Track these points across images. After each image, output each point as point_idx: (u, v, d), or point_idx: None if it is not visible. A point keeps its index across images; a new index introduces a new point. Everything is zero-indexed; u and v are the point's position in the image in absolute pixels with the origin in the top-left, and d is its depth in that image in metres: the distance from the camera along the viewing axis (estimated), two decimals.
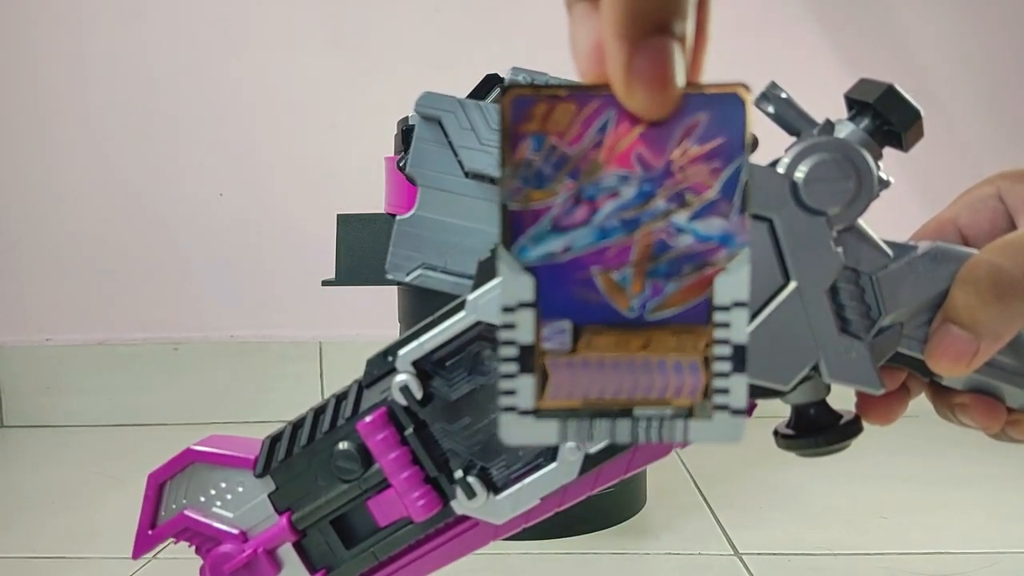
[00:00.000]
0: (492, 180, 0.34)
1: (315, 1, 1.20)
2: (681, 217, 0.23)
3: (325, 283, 0.87)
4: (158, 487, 0.38)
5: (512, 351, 0.23)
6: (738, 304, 0.22)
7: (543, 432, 0.23)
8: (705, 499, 0.87)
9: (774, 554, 0.74)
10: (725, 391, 0.23)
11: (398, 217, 0.36)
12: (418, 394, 0.33)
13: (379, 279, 0.81)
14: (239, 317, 1.22)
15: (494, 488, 0.34)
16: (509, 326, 0.23)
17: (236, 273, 1.23)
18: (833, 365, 0.31)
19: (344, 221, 0.85)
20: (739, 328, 0.23)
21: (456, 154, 0.34)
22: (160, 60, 1.22)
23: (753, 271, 0.30)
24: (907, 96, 0.31)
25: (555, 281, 0.23)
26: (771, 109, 0.32)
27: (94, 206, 1.23)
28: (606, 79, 0.21)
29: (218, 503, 0.37)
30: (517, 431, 0.23)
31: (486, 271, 0.32)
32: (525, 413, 0.23)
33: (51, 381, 1.22)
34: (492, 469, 0.34)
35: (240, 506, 0.37)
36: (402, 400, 0.33)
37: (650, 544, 0.76)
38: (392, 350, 0.34)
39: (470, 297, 0.32)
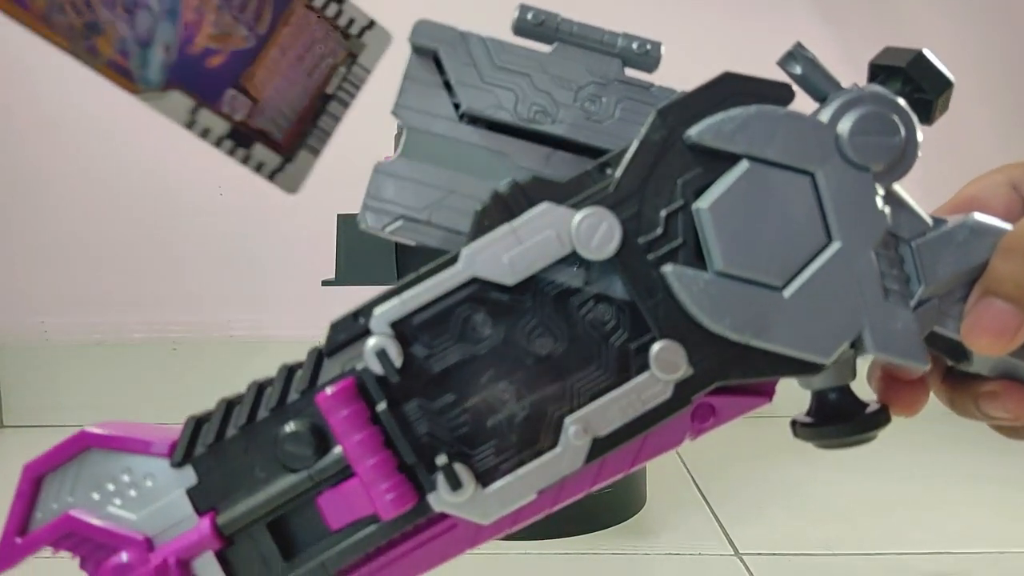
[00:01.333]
0: (491, 125, 0.31)
1: None
2: None
3: (325, 283, 0.86)
4: (34, 482, 0.30)
5: (240, 151, 0.28)
6: None
7: (303, 165, 0.28)
8: (705, 498, 0.87)
9: (774, 553, 0.74)
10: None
11: (377, 162, 0.31)
12: (397, 361, 0.28)
13: (379, 279, 0.81)
14: (238, 316, 1.22)
15: (481, 479, 0.28)
16: (204, 132, 0.27)
17: (236, 272, 1.23)
18: (878, 335, 0.28)
19: (344, 221, 0.85)
20: None
21: (453, 92, 0.31)
22: None
23: (794, 229, 0.29)
24: (938, 63, 0.30)
25: (189, 76, 0.26)
26: (798, 70, 0.30)
27: (92, 204, 1.23)
28: None
29: (116, 501, 0.29)
30: (296, 178, 0.28)
31: (486, 220, 0.29)
32: (285, 164, 0.27)
33: (50, 381, 1.22)
34: (478, 458, 0.29)
35: (147, 505, 0.29)
36: (377, 367, 0.28)
37: (650, 544, 0.76)
38: (365, 310, 0.29)
39: (466, 250, 0.28)
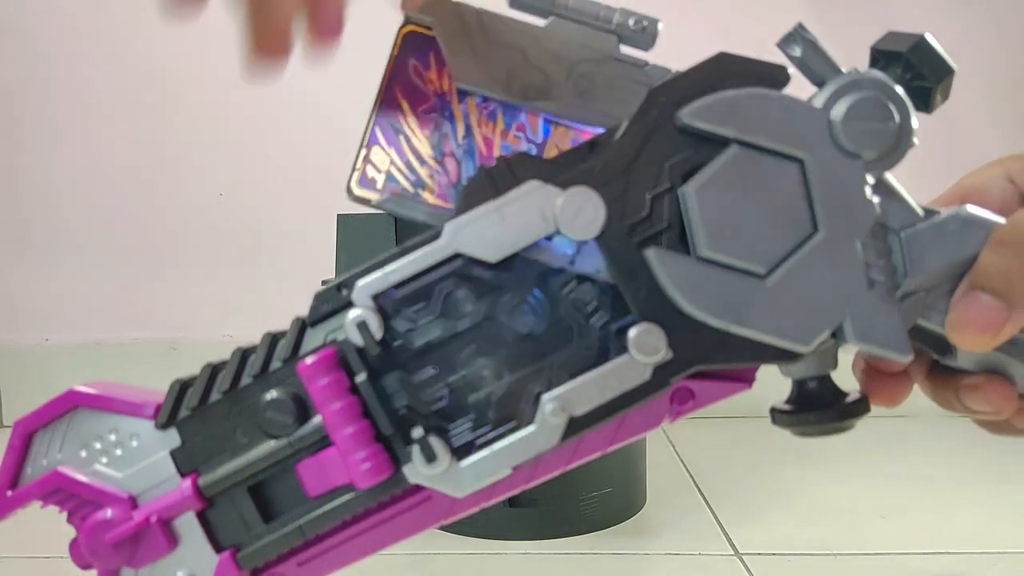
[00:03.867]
0: (484, 97, 0.31)
1: None
2: None
3: (325, 283, 0.86)
4: (26, 437, 0.31)
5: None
6: None
7: None
8: (705, 499, 0.87)
9: (774, 554, 0.74)
10: None
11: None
12: (378, 333, 0.28)
13: None
14: (238, 317, 1.22)
15: (457, 453, 0.28)
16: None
17: (235, 273, 1.23)
18: (859, 326, 0.28)
19: (344, 221, 0.85)
20: None
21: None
22: (160, 60, 1.22)
23: (779, 217, 0.28)
24: (940, 49, 0.29)
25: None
26: (797, 52, 0.29)
27: (93, 205, 1.23)
28: None
29: (103, 459, 0.30)
30: None
31: (473, 195, 0.28)
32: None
33: (50, 381, 1.22)
34: (454, 432, 0.29)
35: (132, 464, 0.30)
36: (357, 339, 0.28)
37: (650, 544, 0.76)
38: (348, 282, 0.29)
39: (450, 224, 0.28)
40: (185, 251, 1.24)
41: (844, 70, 0.29)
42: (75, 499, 0.30)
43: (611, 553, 0.74)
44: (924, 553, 0.73)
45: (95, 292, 1.24)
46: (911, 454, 0.99)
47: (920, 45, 0.29)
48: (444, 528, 0.77)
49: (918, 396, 0.35)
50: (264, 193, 1.22)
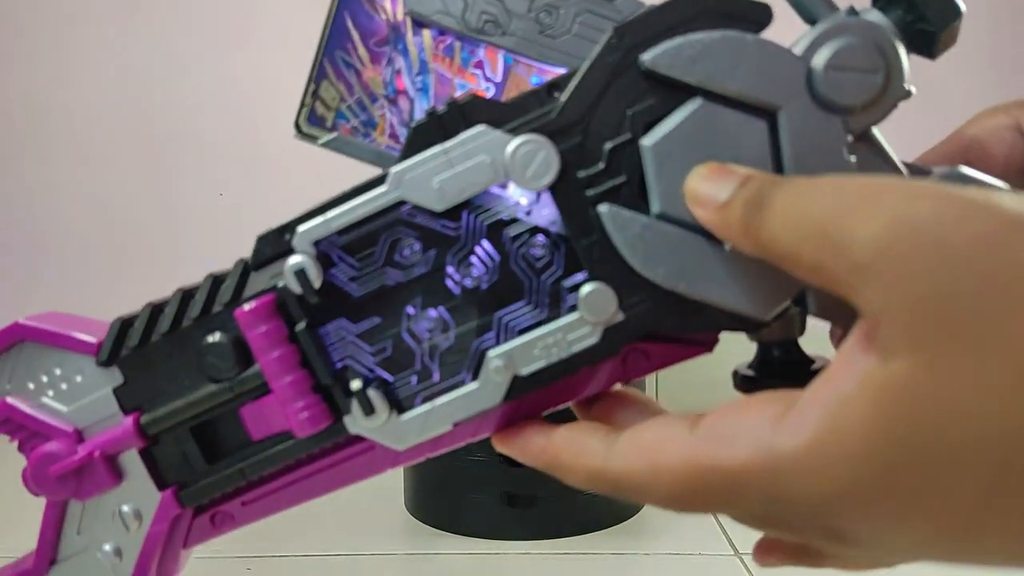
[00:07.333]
0: (440, 29, 0.29)
1: (315, 1, 1.20)
2: None
3: None
4: None
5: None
6: None
7: None
8: None
9: None
10: None
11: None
12: (316, 281, 0.27)
13: None
14: None
15: (399, 406, 0.27)
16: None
17: None
18: (823, 296, 0.26)
19: None
20: None
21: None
22: (159, 59, 1.22)
23: None
24: None
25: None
26: None
27: (93, 206, 1.23)
28: None
29: (50, 392, 0.30)
30: None
31: (420, 139, 0.26)
32: None
33: None
34: (398, 384, 0.28)
35: (77, 399, 0.30)
36: (296, 287, 0.27)
37: (649, 544, 0.76)
38: (291, 226, 0.28)
39: (394, 169, 0.26)
40: (185, 251, 1.24)
41: (838, 7, 0.26)
42: (24, 430, 0.30)
43: (611, 553, 0.74)
44: None
45: (95, 292, 1.24)
46: None
47: None
48: (444, 528, 0.77)
49: None
50: (264, 193, 1.22)
